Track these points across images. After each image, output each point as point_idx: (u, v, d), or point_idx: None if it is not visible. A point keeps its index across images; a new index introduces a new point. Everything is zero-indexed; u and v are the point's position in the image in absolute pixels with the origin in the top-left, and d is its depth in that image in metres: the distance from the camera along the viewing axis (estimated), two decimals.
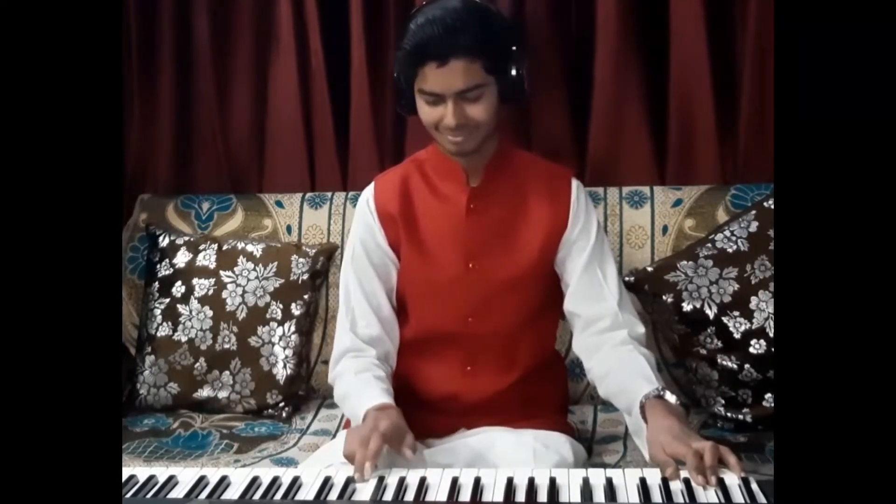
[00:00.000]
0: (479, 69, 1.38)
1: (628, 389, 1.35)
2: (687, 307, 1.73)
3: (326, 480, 1.17)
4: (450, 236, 1.51)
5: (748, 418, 1.69)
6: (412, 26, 1.40)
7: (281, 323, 1.91)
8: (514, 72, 1.44)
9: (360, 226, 1.56)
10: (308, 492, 1.15)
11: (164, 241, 2.03)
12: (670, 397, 1.31)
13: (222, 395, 1.91)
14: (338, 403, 1.54)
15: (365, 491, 1.15)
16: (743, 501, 1.08)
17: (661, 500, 1.09)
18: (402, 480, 1.17)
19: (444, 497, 1.13)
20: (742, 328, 1.70)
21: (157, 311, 1.96)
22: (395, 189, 1.54)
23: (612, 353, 1.44)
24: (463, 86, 1.38)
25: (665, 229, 1.90)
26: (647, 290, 1.77)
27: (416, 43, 1.38)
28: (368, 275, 1.53)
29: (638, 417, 1.31)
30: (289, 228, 2.06)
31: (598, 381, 1.46)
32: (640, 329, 1.48)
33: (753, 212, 1.79)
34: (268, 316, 1.91)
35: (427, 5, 1.42)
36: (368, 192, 1.57)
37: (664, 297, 1.75)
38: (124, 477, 1.19)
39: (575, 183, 1.55)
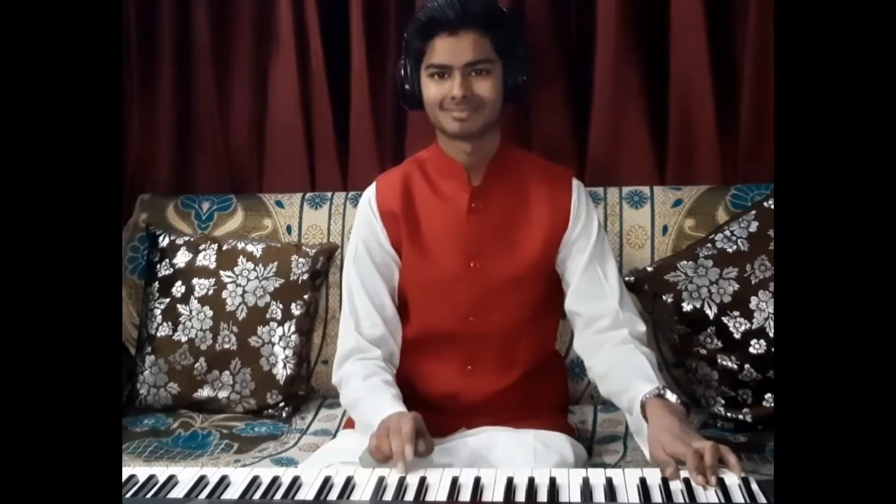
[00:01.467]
0: (489, 45, 1.43)
1: (629, 388, 1.35)
2: (687, 307, 1.73)
3: (326, 480, 1.17)
4: (451, 235, 1.51)
5: (748, 418, 1.69)
6: (425, 6, 1.45)
7: (281, 323, 1.91)
8: (519, 57, 1.48)
9: (362, 225, 1.56)
10: (308, 492, 1.15)
11: (164, 241, 2.03)
12: (671, 396, 1.31)
13: (222, 395, 1.91)
14: (345, 407, 1.53)
15: (365, 491, 1.15)
16: (743, 501, 1.08)
17: (661, 500, 1.09)
18: (402, 480, 1.17)
19: (444, 497, 1.13)
20: (742, 328, 1.70)
21: (157, 311, 1.97)
22: (396, 188, 1.55)
23: (612, 351, 1.44)
24: (472, 57, 1.41)
25: (665, 229, 1.90)
26: (647, 290, 1.77)
27: (430, 14, 1.42)
28: (371, 274, 1.53)
29: (639, 416, 1.31)
30: (289, 228, 2.06)
31: (599, 380, 1.46)
32: (641, 328, 1.48)
33: (753, 212, 1.79)
34: (268, 316, 1.91)
35: None
36: (370, 192, 1.58)
37: (664, 297, 1.75)
38: (124, 477, 1.19)
39: (576, 183, 1.55)
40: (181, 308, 1.95)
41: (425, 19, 1.44)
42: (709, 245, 1.77)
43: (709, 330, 1.72)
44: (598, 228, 1.53)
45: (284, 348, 1.91)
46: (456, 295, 1.51)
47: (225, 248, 1.98)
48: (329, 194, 2.08)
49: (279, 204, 2.09)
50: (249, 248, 1.97)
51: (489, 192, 1.52)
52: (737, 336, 1.70)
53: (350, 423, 1.59)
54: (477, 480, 1.15)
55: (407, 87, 1.51)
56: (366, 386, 1.43)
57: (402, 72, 1.51)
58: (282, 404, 1.90)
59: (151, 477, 1.20)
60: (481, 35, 1.42)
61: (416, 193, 1.55)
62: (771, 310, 1.69)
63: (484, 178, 1.53)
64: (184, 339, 1.93)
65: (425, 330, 1.54)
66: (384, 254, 1.54)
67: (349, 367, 1.49)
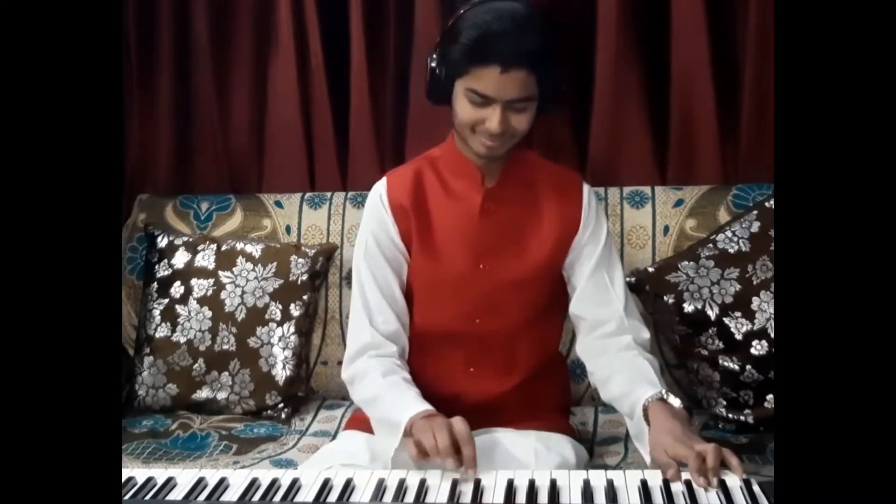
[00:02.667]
0: (534, 82, 1.37)
1: (631, 393, 1.35)
2: (688, 308, 1.73)
3: (326, 482, 1.17)
4: (461, 236, 1.50)
5: (749, 419, 1.69)
6: (475, 20, 1.36)
7: (280, 324, 1.91)
8: (556, 92, 1.44)
9: (372, 220, 1.54)
10: (307, 493, 1.15)
11: (162, 242, 2.02)
12: (674, 400, 1.30)
13: (221, 396, 1.91)
14: (358, 404, 1.50)
15: (365, 493, 1.15)
16: (744, 503, 1.07)
17: (662, 502, 1.09)
18: (402, 482, 1.17)
19: (444, 499, 1.12)
20: (743, 329, 1.69)
21: (156, 312, 1.96)
22: (408, 184, 1.53)
23: (615, 357, 1.43)
24: (517, 95, 1.36)
25: (666, 229, 1.90)
26: (648, 290, 1.77)
27: (482, 41, 1.34)
28: (382, 268, 1.52)
29: (640, 420, 1.31)
30: (288, 229, 2.05)
31: (601, 384, 1.46)
32: (645, 335, 1.47)
33: (755, 212, 1.79)
34: (267, 317, 1.91)
35: (489, 2, 1.37)
36: (381, 187, 1.55)
37: (665, 298, 1.75)
38: (123, 478, 1.19)
39: (586, 188, 1.54)
40: (180, 309, 1.94)
41: (474, 44, 1.34)
42: (710, 245, 1.77)
43: (710, 331, 1.71)
44: (606, 234, 1.52)
45: (284, 349, 1.90)
46: (462, 295, 1.50)
47: (224, 248, 1.98)
48: (329, 194, 2.08)
49: (278, 204, 2.09)
50: (248, 248, 1.97)
51: (502, 194, 1.51)
52: (738, 337, 1.69)
53: (350, 424, 1.59)
54: (477, 482, 1.15)
55: (437, 85, 1.44)
56: (386, 383, 1.41)
57: (434, 72, 1.44)
58: (281, 405, 1.90)
59: (150, 479, 1.19)
60: (529, 73, 1.34)
61: (428, 191, 1.53)
62: (772, 310, 1.68)
63: (498, 180, 1.51)
64: (182, 339, 1.93)
65: (429, 329, 1.53)
66: (394, 248, 1.53)
67: (364, 364, 1.46)
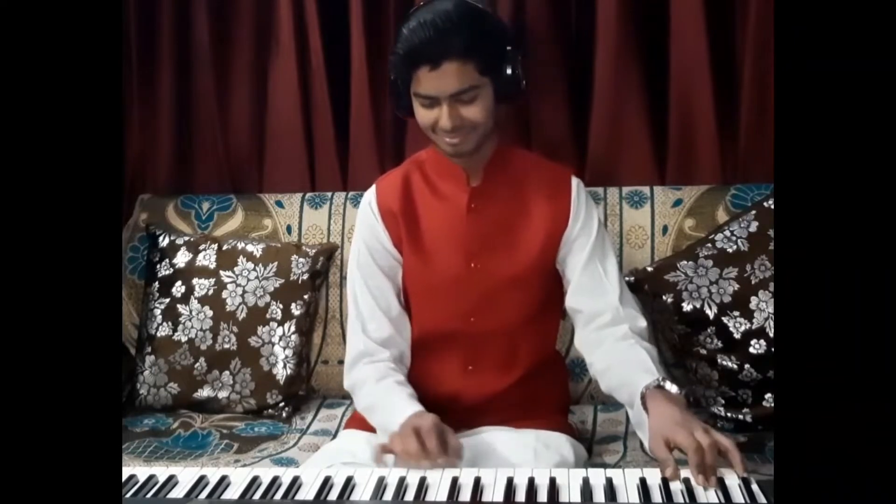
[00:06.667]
0: (473, 70, 1.38)
1: (630, 382, 1.35)
2: (687, 307, 1.73)
3: (326, 480, 1.17)
4: (451, 236, 1.51)
5: (748, 418, 1.69)
6: (404, 31, 1.40)
7: (281, 323, 1.91)
8: (508, 71, 1.44)
9: (363, 229, 1.56)
10: (308, 492, 1.15)
11: (164, 242, 2.03)
12: (671, 387, 1.30)
13: (222, 395, 1.91)
14: (362, 413, 1.52)
15: (365, 491, 1.15)
16: (743, 502, 1.08)
17: (661, 501, 1.09)
18: (402, 480, 1.17)
19: (443, 497, 1.13)
20: (742, 328, 1.70)
21: (157, 311, 1.97)
22: (396, 189, 1.55)
23: (613, 347, 1.44)
24: (456, 88, 1.38)
25: (665, 229, 1.90)
26: (647, 290, 1.77)
27: (409, 47, 1.39)
28: (375, 275, 1.54)
29: (640, 409, 1.31)
30: (289, 228, 2.06)
31: (600, 375, 1.46)
32: (642, 323, 1.48)
33: (753, 212, 1.79)
34: (268, 316, 1.92)
35: (419, 9, 1.42)
36: (370, 195, 1.58)
37: (664, 297, 1.75)
38: (124, 477, 1.20)
39: (575, 181, 1.55)
40: (181, 308, 1.95)
41: (403, 52, 1.39)
42: (709, 245, 1.77)
43: (709, 330, 1.72)
44: (598, 226, 1.53)
45: (284, 348, 1.91)
46: (457, 295, 1.51)
47: (225, 248, 1.98)
48: (329, 194, 2.08)
49: (279, 204, 2.09)
50: (249, 248, 1.97)
51: (488, 192, 1.52)
52: (737, 336, 1.70)
53: (350, 423, 1.60)
54: (477, 480, 1.15)
55: (400, 99, 1.48)
56: (379, 389, 1.44)
57: (394, 86, 1.48)
58: (282, 404, 1.90)
59: (151, 477, 1.20)
60: (463, 63, 1.36)
61: (416, 194, 1.55)
62: (771, 310, 1.69)
63: (483, 179, 1.53)
64: (184, 339, 1.93)
65: (426, 330, 1.54)
66: (387, 255, 1.54)
67: (360, 372, 1.49)
